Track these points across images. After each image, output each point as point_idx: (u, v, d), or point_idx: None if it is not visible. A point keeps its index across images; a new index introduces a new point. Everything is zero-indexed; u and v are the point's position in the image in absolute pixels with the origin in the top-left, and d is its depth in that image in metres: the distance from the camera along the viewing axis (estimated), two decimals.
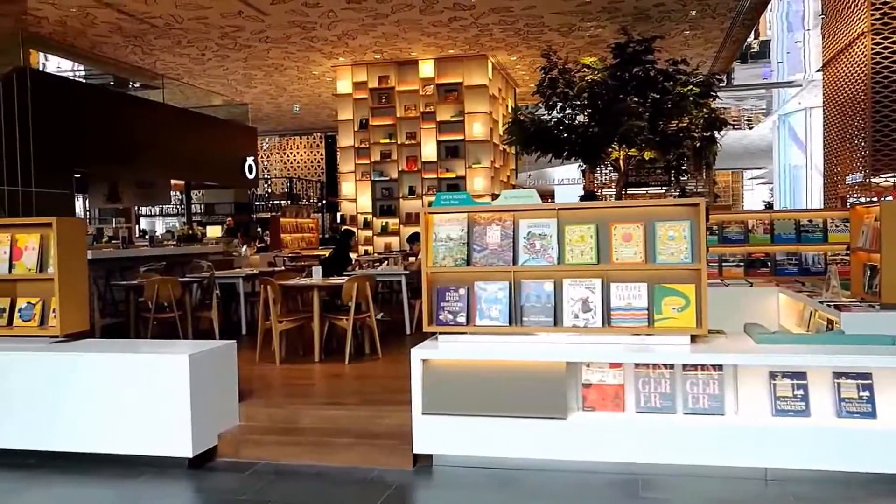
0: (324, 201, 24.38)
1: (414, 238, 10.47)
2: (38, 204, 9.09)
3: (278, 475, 4.51)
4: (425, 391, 4.54)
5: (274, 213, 20.28)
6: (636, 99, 10.73)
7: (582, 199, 12.41)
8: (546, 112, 11.41)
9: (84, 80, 15.24)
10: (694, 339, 4.47)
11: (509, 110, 15.48)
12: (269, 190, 23.54)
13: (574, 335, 4.59)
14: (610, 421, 4.36)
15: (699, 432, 4.20)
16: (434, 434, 4.52)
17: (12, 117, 8.83)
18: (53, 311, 5.09)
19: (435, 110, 14.75)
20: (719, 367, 4.29)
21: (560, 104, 11.08)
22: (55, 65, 16.14)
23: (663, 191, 19.36)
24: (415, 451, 4.53)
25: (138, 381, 4.69)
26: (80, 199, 16.25)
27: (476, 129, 14.68)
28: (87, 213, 18.75)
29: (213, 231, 18.00)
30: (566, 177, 20.92)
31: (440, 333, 4.82)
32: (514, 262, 4.72)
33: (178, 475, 4.55)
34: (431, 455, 4.56)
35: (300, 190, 24.09)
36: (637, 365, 4.40)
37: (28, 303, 5.25)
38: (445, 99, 14.79)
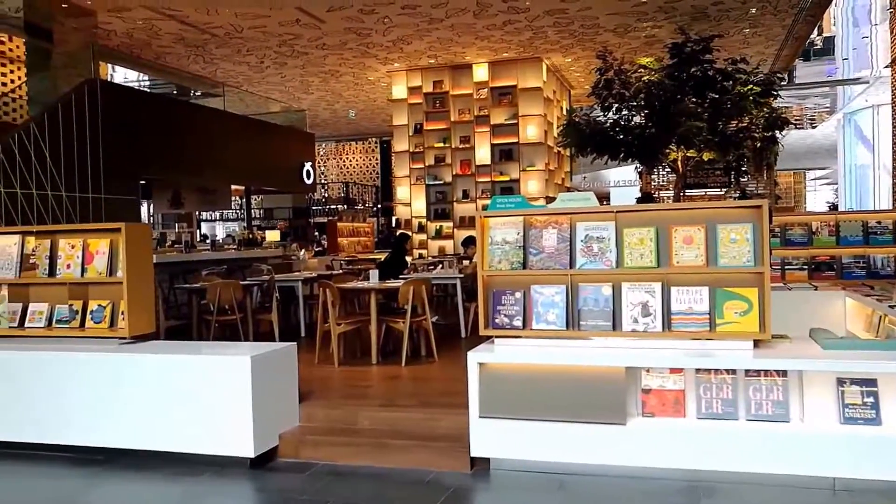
0: (379, 205, 24.61)
1: (468, 241, 10.49)
2: (107, 210, 9.42)
3: (337, 476, 4.57)
4: (482, 394, 4.54)
5: (330, 218, 20.59)
6: (694, 99, 10.53)
7: (639, 201, 12.21)
8: (602, 113, 11.29)
9: (148, 90, 15.73)
10: (757, 344, 4.36)
11: (564, 112, 15.36)
12: (326, 194, 23.86)
13: (633, 340, 4.53)
14: (670, 427, 4.29)
15: (763, 439, 4.10)
16: (491, 437, 4.52)
17: (83, 127, 9.17)
18: (122, 314, 5.26)
19: (489, 114, 14.76)
20: (784, 373, 4.19)
21: (616, 105, 10.95)
22: (122, 76, 16.72)
23: (722, 192, 18.93)
24: (472, 455, 4.54)
25: (202, 382, 4.82)
26: (145, 205, 16.76)
27: (530, 131, 14.63)
28: (151, 218, 19.33)
29: (273, 235, 18.35)
30: (622, 179, 20.66)
31: (496, 337, 4.81)
32: (572, 265, 4.68)
33: (240, 474, 4.65)
34: (489, 458, 4.55)
35: (356, 194, 24.37)
36: (698, 370, 4.32)
37: (99, 305, 5.45)
38: (499, 102, 14.78)
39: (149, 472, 4.78)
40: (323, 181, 24.58)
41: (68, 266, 5.46)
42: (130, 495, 4.45)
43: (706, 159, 11.17)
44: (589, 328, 4.61)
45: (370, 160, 25.65)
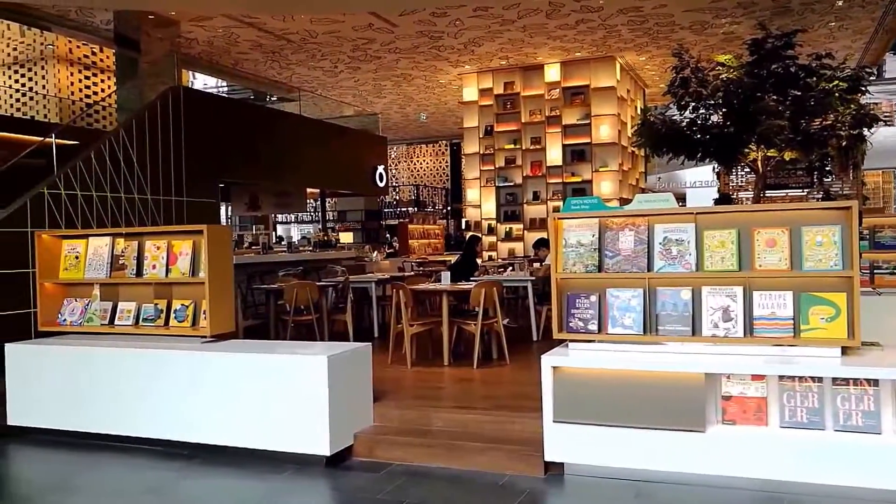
0: (449, 208, 24.71)
1: (540, 243, 10.42)
2: (189, 212, 9.75)
3: (411, 476, 4.60)
4: (556, 399, 4.50)
5: (402, 220, 20.79)
6: (775, 97, 10.20)
7: (717, 202, 11.93)
8: (678, 113, 11.05)
9: (226, 96, 16.21)
10: (845, 351, 4.18)
11: (638, 112, 15.10)
12: (397, 197, 24.11)
13: (713, 345, 4.41)
14: (752, 435, 4.16)
15: (852, 451, 3.93)
16: (566, 442, 4.48)
17: (167, 132, 9.53)
18: (204, 313, 5.44)
19: (560, 114, 14.64)
20: (875, 382, 4.00)
21: (693, 104, 10.70)
22: (202, 82, 17.29)
23: (804, 193, 18.25)
24: (546, 459, 4.50)
25: (280, 381, 4.93)
26: (224, 208, 17.26)
27: (603, 131, 14.43)
28: (230, 220, 19.90)
29: (346, 237, 18.65)
30: (698, 179, 20.13)
31: (571, 341, 4.75)
32: (649, 268, 4.58)
33: (316, 473, 4.74)
34: (563, 463, 4.51)
35: (426, 197, 24.54)
36: (781, 377, 4.17)
37: (182, 304, 5.65)
38: (571, 102, 14.64)
39: (231, 467, 4.91)
40: (394, 184, 24.85)
41: (154, 267, 5.67)
42: (214, 490, 4.59)
43: (787, 159, 10.81)
44: (667, 333, 4.51)
45: (440, 162, 25.79)
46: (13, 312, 7.05)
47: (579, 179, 14.60)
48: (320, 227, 18.45)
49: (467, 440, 4.83)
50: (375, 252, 14.59)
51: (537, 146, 14.94)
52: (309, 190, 15.88)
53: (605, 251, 4.72)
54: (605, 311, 4.67)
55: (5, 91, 13.62)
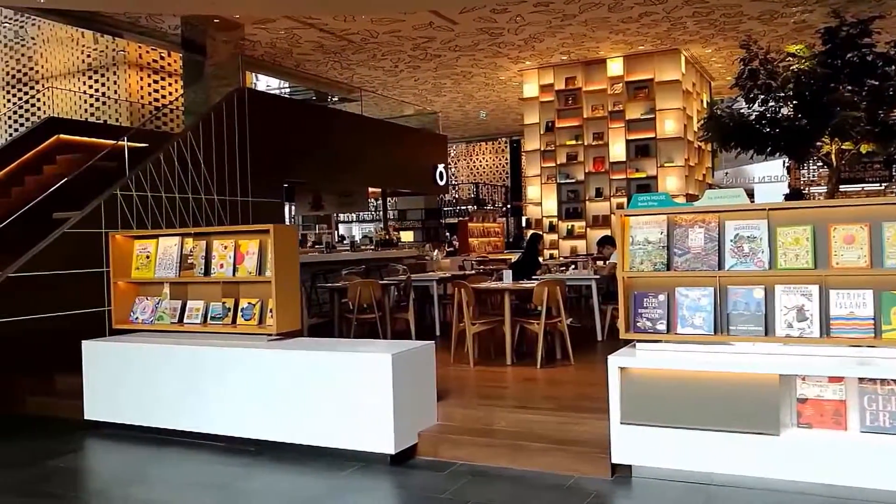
0: (508, 206, 24.59)
1: (604, 241, 10.25)
2: (254, 212, 9.94)
3: (476, 476, 4.57)
4: (624, 400, 4.41)
5: (461, 218, 20.78)
6: (850, 87, 9.77)
7: (787, 197, 11.54)
8: (746, 105, 10.71)
9: (289, 97, 16.47)
10: None
11: (704, 105, 14.73)
12: (457, 195, 24.12)
13: (787, 346, 4.26)
14: (829, 440, 3.99)
15: None
16: (633, 444, 4.39)
17: (233, 134, 9.73)
18: (270, 311, 5.52)
19: (624, 109, 14.39)
20: None
21: (762, 96, 10.34)
22: (264, 84, 17.59)
23: (882, 187, 17.49)
24: (613, 461, 4.43)
25: (345, 379, 4.97)
26: (287, 207, 17.55)
27: (668, 126, 14.12)
28: (293, 220, 20.23)
29: (407, 236, 18.74)
30: (767, 174, 19.51)
31: (638, 341, 4.66)
32: (720, 266, 4.45)
33: (381, 471, 4.75)
34: (630, 465, 4.42)
35: (486, 195, 24.47)
36: (861, 380, 3.99)
37: (249, 303, 5.74)
38: (635, 96, 14.38)
39: (296, 465, 4.97)
40: (454, 182, 24.86)
41: (221, 266, 5.79)
42: (281, 486, 4.65)
43: (864, 152, 10.35)
44: (739, 333, 4.37)
45: (500, 160, 25.68)
46: (89, 310, 7.30)
47: (643, 175, 14.33)
48: (381, 225, 18.60)
49: (532, 441, 4.78)
50: (436, 251, 14.62)
51: (600, 142, 14.72)
52: (370, 189, 16.02)
53: (674, 249, 4.61)
54: (674, 311, 4.56)
55: (80, 97, 14.14)
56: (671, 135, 14.11)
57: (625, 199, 14.13)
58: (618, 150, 14.51)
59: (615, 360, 4.46)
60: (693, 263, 4.54)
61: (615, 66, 14.45)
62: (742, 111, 10.80)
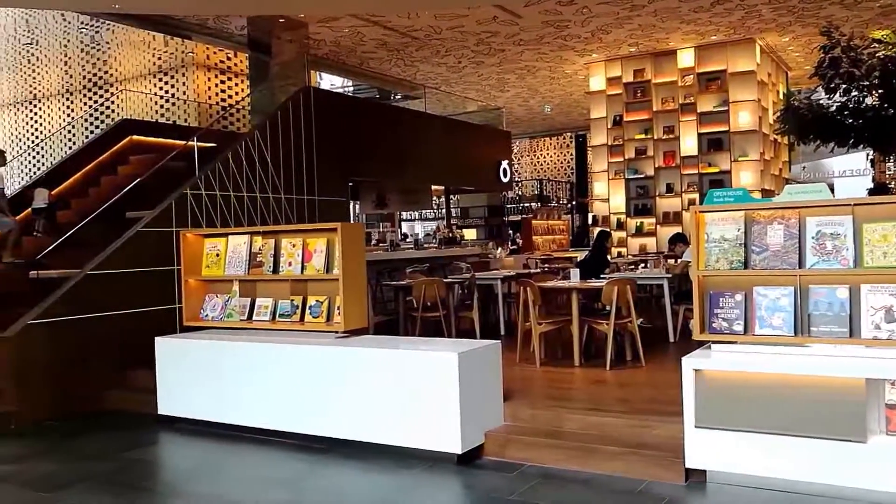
0: (574, 202, 24.25)
1: (676, 238, 9.96)
2: (320, 211, 10.03)
3: (545, 478, 4.48)
4: (698, 403, 4.25)
5: (524, 216, 20.58)
6: None
7: (872, 192, 10.99)
8: (826, 96, 10.25)
9: (353, 95, 16.61)
10: None
11: (781, 97, 14.17)
12: (520, 192, 23.90)
13: (874, 348, 4.02)
14: None
15: None
16: (708, 449, 4.23)
17: (299, 133, 9.83)
18: (338, 309, 5.54)
19: (695, 101, 13.97)
20: None
21: (844, 86, 9.88)
22: (328, 83, 17.79)
23: None
24: (687, 466, 4.28)
25: (412, 377, 4.93)
26: (352, 206, 17.73)
27: (742, 118, 13.65)
28: (357, 218, 20.43)
29: (470, 234, 18.67)
30: (848, 168, 18.65)
31: (713, 343, 4.49)
32: (801, 264, 4.25)
33: (447, 470, 4.70)
34: (705, 471, 4.27)
35: (550, 191, 24.19)
36: None
37: (317, 300, 5.77)
38: (707, 88, 13.94)
39: (365, 462, 4.97)
40: (517, 179, 24.67)
41: (290, 264, 5.84)
42: (347, 484, 4.65)
43: None
44: (821, 334, 4.16)
45: (565, 156, 25.36)
46: (161, 308, 7.48)
47: (716, 170, 13.87)
48: (445, 223, 18.58)
49: (602, 443, 4.66)
50: (499, 249, 14.50)
51: (670, 135, 14.34)
52: (434, 187, 16.02)
53: (752, 246, 4.42)
54: (752, 311, 4.38)
55: (151, 98, 14.57)
56: (745, 128, 13.63)
57: (697, 195, 13.73)
58: (689, 144, 14.10)
59: (690, 362, 4.31)
60: (772, 262, 4.35)
61: (686, 57, 14.05)
62: (821, 102, 10.35)
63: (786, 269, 4.29)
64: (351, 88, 17.58)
